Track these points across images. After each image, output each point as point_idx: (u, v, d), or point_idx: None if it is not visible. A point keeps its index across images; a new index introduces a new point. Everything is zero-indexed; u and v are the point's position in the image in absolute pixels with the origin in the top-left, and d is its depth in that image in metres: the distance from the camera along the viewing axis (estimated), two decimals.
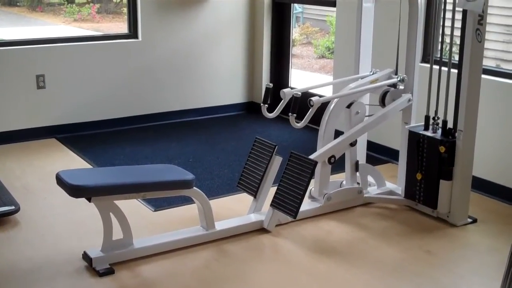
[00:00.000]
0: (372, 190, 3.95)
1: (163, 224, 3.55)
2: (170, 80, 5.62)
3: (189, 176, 3.17)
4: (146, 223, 3.56)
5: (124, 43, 5.41)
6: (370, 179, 3.99)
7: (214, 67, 5.83)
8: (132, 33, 5.43)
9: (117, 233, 3.08)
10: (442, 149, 3.55)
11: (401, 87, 3.85)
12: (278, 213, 3.48)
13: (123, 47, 5.40)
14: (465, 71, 3.45)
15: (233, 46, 5.89)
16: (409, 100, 3.85)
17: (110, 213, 3.03)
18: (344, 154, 3.79)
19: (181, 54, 5.62)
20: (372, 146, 4.53)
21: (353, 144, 3.76)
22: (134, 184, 3.04)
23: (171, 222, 3.56)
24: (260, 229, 3.50)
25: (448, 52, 3.65)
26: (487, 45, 3.69)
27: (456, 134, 3.56)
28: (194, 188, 3.20)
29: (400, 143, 3.92)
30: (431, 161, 3.63)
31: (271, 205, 3.49)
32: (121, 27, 5.48)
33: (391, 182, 4.05)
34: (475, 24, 3.35)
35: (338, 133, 3.72)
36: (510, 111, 3.95)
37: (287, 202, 3.41)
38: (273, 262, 3.19)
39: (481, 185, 4.04)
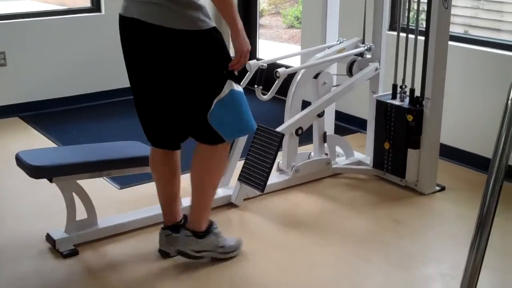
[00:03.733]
0: (341, 161, 3.92)
1: (129, 202, 3.49)
2: None
3: None
4: (112, 202, 3.49)
5: (87, 17, 5.27)
6: (338, 149, 3.96)
7: None
8: (95, 6, 5.30)
9: (82, 214, 3.01)
10: (409, 117, 3.53)
11: (368, 56, 3.80)
12: (246, 187, 3.43)
13: (85, 21, 5.26)
14: (431, 38, 3.41)
15: None
16: (377, 69, 3.81)
17: (73, 193, 2.96)
18: (311, 126, 3.75)
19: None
20: (340, 116, 4.49)
21: (320, 115, 3.72)
22: (97, 162, 2.97)
23: (138, 200, 3.50)
24: (228, 204, 3.45)
25: (415, 19, 3.60)
26: (454, 11, 3.65)
27: (424, 102, 3.53)
28: None
29: (368, 113, 3.88)
30: (399, 130, 3.60)
31: (238, 179, 3.44)
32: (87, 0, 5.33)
33: (359, 152, 4.02)
34: None
35: (305, 104, 3.67)
36: (478, 78, 3.93)
37: (255, 176, 3.36)
38: (241, 237, 3.14)
39: (450, 153, 4.04)
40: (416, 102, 3.57)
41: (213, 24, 2.47)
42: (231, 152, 3.48)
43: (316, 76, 3.69)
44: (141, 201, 3.45)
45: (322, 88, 3.71)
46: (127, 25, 2.56)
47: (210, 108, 2.48)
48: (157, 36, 2.44)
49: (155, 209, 3.24)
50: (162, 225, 2.95)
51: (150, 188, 3.61)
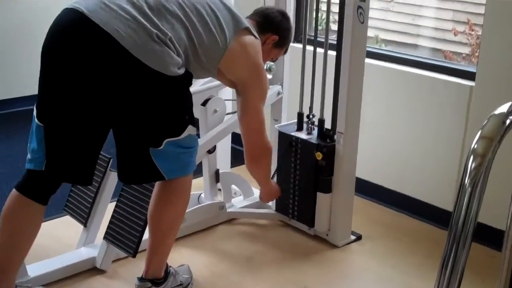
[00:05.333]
0: (238, 202, 3.24)
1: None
2: None
3: None
4: None
5: None
6: (236, 187, 3.29)
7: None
8: None
9: None
10: (318, 155, 2.88)
11: (269, 76, 3.13)
12: (114, 248, 2.69)
13: None
14: (345, 56, 2.77)
15: None
16: (279, 93, 3.15)
17: None
18: (201, 163, 3.06)
19: (5, 36, 4.63)
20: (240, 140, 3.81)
21: (211, 151, 3.02)
22: None
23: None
24: (92, 269, 2.70)
25: (324, 31, 2.95)
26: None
27: (336, 137, 2.90)
28: None
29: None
30: (306, 169, 2.96)
31: (104, 237, 2.69)
32: None
33: None
34: (356, 3, 2.67)
35: None
36: (400, 101, 3.34)
37: (125, 234, 2.63)
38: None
39: (364, 187, 3.44)
40: (327, 136, 2.94)
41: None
42: (96, 200, 2.73)
43: (204, 103, 2.99)
44: None
45: (213, 117, 3.01)
46: (86, 31, 2.05)
47: (159, 146, 2.18)
48: (127, 65, 2.05)
49: None
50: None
51: None
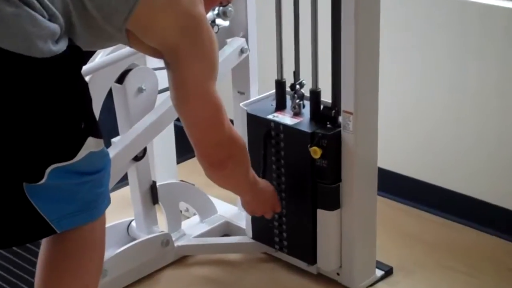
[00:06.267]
0: (192, 227, 2.09)
1: None
2: None
3: None
4: None
5: None
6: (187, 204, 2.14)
7: None
8: None
9: None
10: (315, 151, 1.74)
11: (225, 24, 1.97)
12: None
13: None
14: None
15: None
16: (242, 50, 1.97)
17: None
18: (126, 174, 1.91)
19: None
20: None
21: (139, 156, 1.87)
22: None
23: None
24: None
25: None
26: None
27: (341, 120, 1.75)
28: None
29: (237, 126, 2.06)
30: (297, 173, 1.83)
31: None
32: None
33: (230, 202, 2.20)
34: None
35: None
36: (441, 49, 2.18)
37: None
38: None
39: (387, 181, 2.24)
40: (326, 118, 1.79)
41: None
42: None
43: (120, 80, 1.83)
44: None
45: (137, 100, 1.86)
46: None
47: (40, 179, 1.36)
48: None
49: None
50: None
51: None
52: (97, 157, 1.43)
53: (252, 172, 1.73)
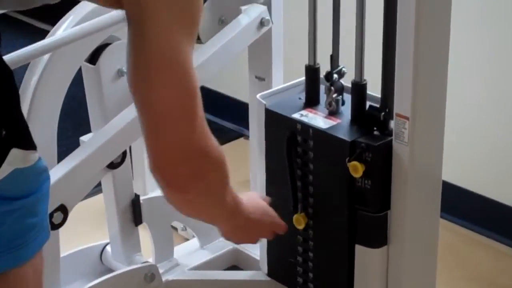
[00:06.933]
0: (188, 256, 1.68)
1: None
2: None
3: None
4: None
5: None
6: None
7: None
8: None
9: None
10: (356, 167, 1.27)
11: None
12: None
13: None
14: None
15: None
16: (262, 22, 1.52)
17: None
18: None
19: None
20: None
21: (117, 162, 1.44)
22: None
23: None
24: None
25: None
26: None
27: (393, 125, 1.28)
28: None
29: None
30: (330, 194, 1.38)
31: None
32: None
33: None
34: None
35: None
36: None
37: None
38: None
39: (448, 199, 1.77)
40: (372, 122, 1.33)
41: None
42: None
43: (93, 59, 1.41)
44: None
45: (114, 86, 1.45)
46: None
47: None
48: None
49: None
50: None
51: None
52: (26, 175, 1.05)
53: (232, 193, 1.21)
